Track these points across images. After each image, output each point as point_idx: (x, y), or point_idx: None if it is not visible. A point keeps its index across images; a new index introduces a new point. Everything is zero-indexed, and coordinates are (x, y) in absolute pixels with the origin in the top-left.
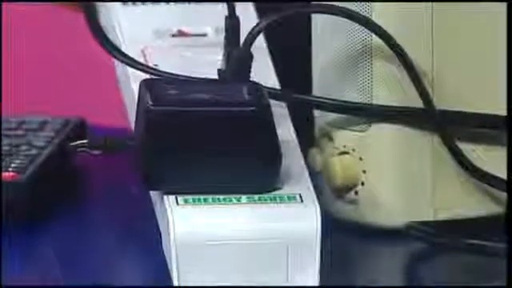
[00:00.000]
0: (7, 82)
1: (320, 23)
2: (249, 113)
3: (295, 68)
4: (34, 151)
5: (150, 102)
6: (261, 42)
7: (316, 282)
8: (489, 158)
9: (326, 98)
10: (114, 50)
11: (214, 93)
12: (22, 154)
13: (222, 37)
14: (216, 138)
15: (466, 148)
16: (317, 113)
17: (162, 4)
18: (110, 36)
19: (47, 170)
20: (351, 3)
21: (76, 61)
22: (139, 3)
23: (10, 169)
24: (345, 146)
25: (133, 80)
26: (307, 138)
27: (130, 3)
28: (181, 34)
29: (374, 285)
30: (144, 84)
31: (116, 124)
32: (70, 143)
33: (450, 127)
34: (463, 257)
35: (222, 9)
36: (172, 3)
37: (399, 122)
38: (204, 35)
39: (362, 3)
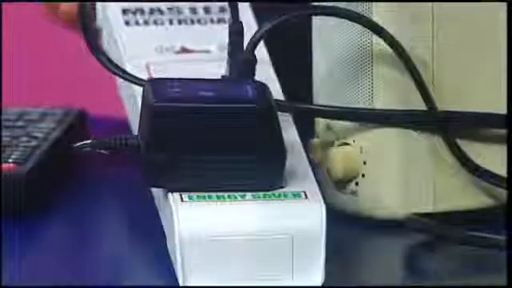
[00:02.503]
0: (8, 73)
1: (320, 26)
2: (253, 109)
3: (296, 70)
4: (34, 143)
5: (154, 99)
6: (263, 53)
7: (321, 279)
8: (489, 155)
9: (329, 106)
10: (117, 69)
11: (218, 91)
12: (22, 146)
13: (225, 53)
14: (220, 135)
15: (466, 146)
16: (315, 95)
17: (166, 24)
18: (113, 53)
19: (47, 161)
20: (351, 4)
21: (76, 52)
22: (142, 23)
23: (10, 160)
24: (345, 137)
25: (138, 95)
26: (307, 129)
27: (133, 23)
28: (184, 50)
29: (374, 284)
30: (148, 83)
31: (116, 114)
32: (73, 144)
33: (451, 127)
34: (463, 248)
35: (225, 28)
36: (175, 23)
37: (402, 126)
38: (207, 52)
39: (362, 4)
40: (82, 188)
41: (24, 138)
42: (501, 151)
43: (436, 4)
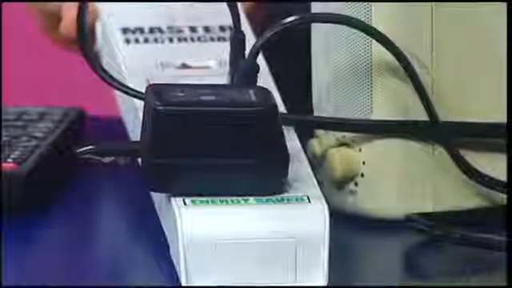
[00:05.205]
0: (8, 73)
1: (320, 34)
2: (256, 113)
3: (295, 78)
4: (33, 142)
5: (158, 103)
6: (262, 63)
7: (325, 281)
8: (490, 162)
9: (328, 118)
10: (119, 84)
11: (221, 95)
12: (21, 145)
13: (225, 69)
14: (223, 139)
15: (466, 153)
16: (315, 104)
17: (166, 42)
18: (113, 71)
19: (47, 161)
20: (350, 5)
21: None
22: (142, 41)
23: (10, 160)
24: (344, 137)
25: (139, 109)
26: (307, 132)
27: (133, 41)
28: (184, 66)
29: (373, 284)
30: (151, 88)
31: (115, 114)
32: (75, 150)
33: (451, 136)
34: (462, 249)
35: (224, 45)
36: (175, 41)
37: (402, 137)
38: (207, 68)
39: (362, 5)
40: (82, 188)
41: (24, 138)
42: (501, 158)
43: (435, 5)
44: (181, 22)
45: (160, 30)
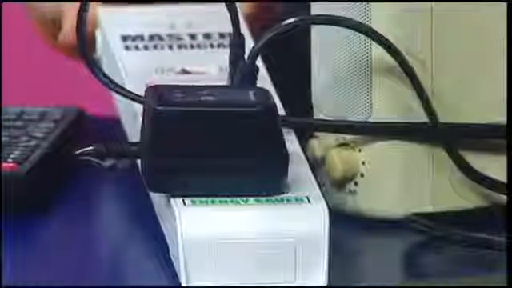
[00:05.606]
0: (8, 73)
1: (319, 35)
2: (256, 112)
3: (294, 80)
4: (33, 142)
5: (156, 103)
6: (260, 67)
7: (324, 281)
8: (490, 164)
9: (328, 120)
10: (119, 88)
11: (220, 96)
12: (21, 145)
13: (224, 74)
14: (222, 139)
15: (466, 154)
16: (315, 104)
17: (166, 49)
18: (114, 77)
19: (47, 161)
20: (350, 5)
21: None
22: (142, 48)
23: (10, 160)
24: (344, 138)
25: (139, 113)
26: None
27: (133, 48)
28: (184, 72)
29: (372, 284)
30: (149, 89)
31: (115, 114)
32: (74, 151)
33: (451, 137)
34: (462, 249)
35: (224, 52)
36: (175, 48)
37: (401, 137)
38: (207, 73)
39: (361, 5)
40: (82, 188)
41: (24, 138)
42: (500, 158)
43: (436, 5)
44: (180, 30)
45: (160, 38)
